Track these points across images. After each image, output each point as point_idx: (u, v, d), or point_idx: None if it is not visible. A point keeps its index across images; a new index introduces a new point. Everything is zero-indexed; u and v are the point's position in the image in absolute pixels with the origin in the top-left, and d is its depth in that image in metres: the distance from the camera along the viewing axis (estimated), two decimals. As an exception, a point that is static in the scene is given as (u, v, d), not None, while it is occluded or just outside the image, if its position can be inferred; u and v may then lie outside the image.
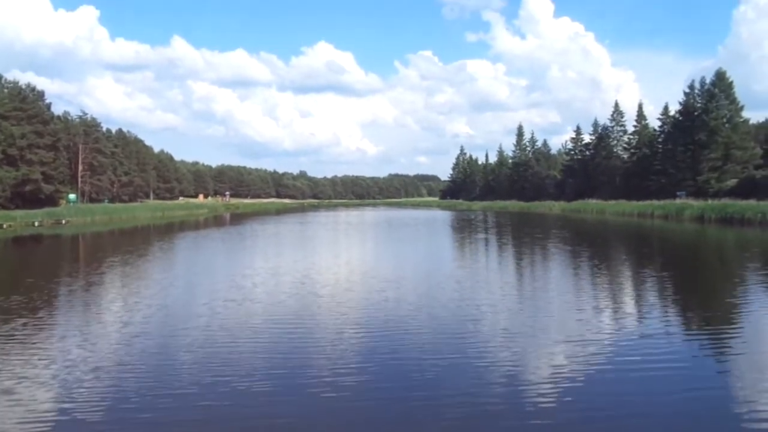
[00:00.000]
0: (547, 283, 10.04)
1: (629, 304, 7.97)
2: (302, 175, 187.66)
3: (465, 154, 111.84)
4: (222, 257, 15.50)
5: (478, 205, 72.99)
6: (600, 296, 8.59)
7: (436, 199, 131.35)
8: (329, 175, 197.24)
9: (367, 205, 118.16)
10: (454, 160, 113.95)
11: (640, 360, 5.37)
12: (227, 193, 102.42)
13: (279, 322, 7.06)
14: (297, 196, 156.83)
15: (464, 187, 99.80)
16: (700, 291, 9.14)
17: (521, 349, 5.79)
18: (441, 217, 43.50)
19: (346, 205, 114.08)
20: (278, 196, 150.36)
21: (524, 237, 21.58)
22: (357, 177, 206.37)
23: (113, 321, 7.25)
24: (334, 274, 11.47)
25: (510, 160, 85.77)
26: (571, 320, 7.03)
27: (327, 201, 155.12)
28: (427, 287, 9.51)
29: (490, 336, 6.25)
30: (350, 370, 5.17)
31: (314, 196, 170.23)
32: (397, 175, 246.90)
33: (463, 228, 28.55)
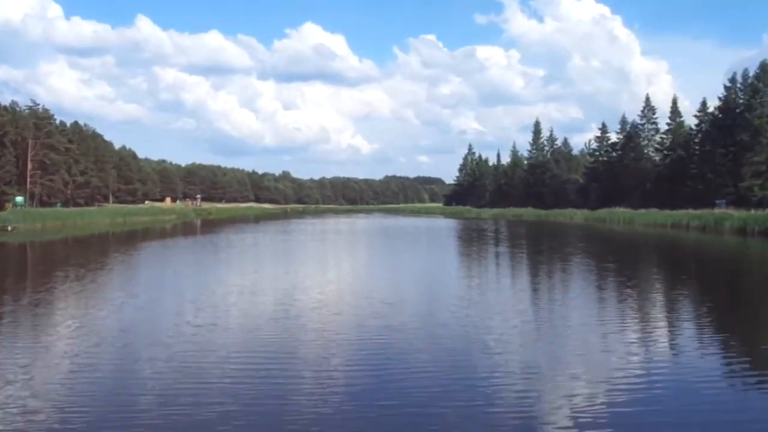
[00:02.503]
0: (569, 307, 9.90)
1: (663, 336, 7.75)
2: (285, 176, 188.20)
3: (473, 153, 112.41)
4: (191, 272, 15.34)
5: (488, 212, 73.21)
6: (629, 325, 8.46)
7: (440, 205, 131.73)
8: (316, 177, 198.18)
9: (360, 211, 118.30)
10: (460, 161, 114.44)
11: (676, 407, 5.10)
12: (198, 196, 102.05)
13: (254, 357, 6.84)
14: (279, 200, 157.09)
15: (472, 192, 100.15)
16: (747, 320, 8.90)
17: (540, 389, 5.67)
18: (446, 227, 43.63)
19: (336, 212, 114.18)
20: (257, 200, 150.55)
21: (542, 251, 21.70)
22: (348, 179, 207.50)
23: (56, 352, 7.01)
24: (321, 295, 11.34)
25: (525, 162, 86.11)
26: (595, 353, 6.96)
27: (314, 206, 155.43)
28: (432, 312, 9.47)
29: (505, 374, 6.13)
30: (338, 420, 4.82)
31: (299, 201, 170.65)
32: (394, 177, 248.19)
33: (472, 239, 28.63)
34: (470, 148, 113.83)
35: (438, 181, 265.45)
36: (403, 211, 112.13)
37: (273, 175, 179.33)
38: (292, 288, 12.24)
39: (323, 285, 12.71)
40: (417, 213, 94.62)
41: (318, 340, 7.72)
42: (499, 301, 10.67)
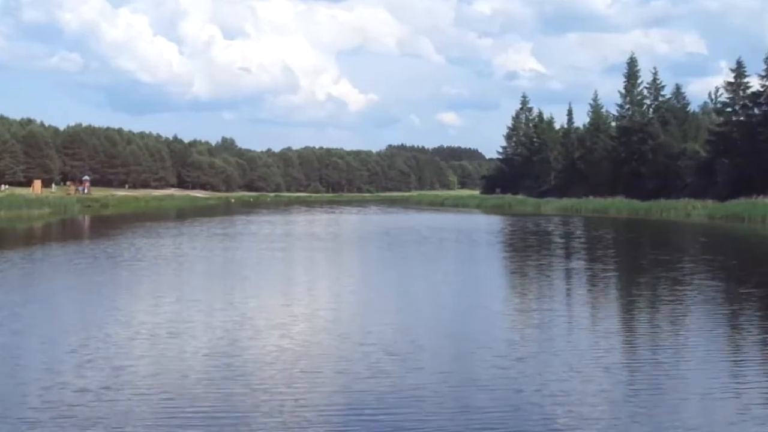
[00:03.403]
0: (703, 375, 9.92)
1: None
2: (227, 146, 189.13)
3: (529, 110, 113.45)
4: (73, 303, 15.30)
5: (553, 205, 73.78)
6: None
7: (476, 193, 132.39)
8: (276, 148, 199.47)
9: (349, 202, 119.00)
10: (508, 123, 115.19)
11: None
12: (86, 178, 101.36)
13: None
14: (217, 184, 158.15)
15: (528, 172, 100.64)
16: None
17: None
18: (485, 228, 43.79)
19: (310, 203, 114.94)
20: (182, 184, 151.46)
21: (648, 273, 21.58)
22: (329, 151, 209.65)
23: None
24: (284, 338, 11.41)
25: (613, 123, 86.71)
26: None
27: (273, 194, 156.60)
28: (466, 365, 9.84)
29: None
30: None
31: (249, 186, 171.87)
32: (403, 149, 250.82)
33: (528, 251, 28.77)
34: (524, 101, 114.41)
35: (472, 155, 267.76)
36: (418, 202, 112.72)
37: (207, 144, 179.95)
38: (236, 326, 12.36)
39: (287, 322, 12.73)
40: (439, 206, 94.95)
41: (276, 415, 7.72)
42: (578, 347, 10.68)
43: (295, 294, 16.68)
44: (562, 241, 34.06)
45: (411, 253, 27.26)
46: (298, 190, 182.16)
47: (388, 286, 18.30)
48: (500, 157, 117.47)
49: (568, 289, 17.59)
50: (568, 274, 20.52)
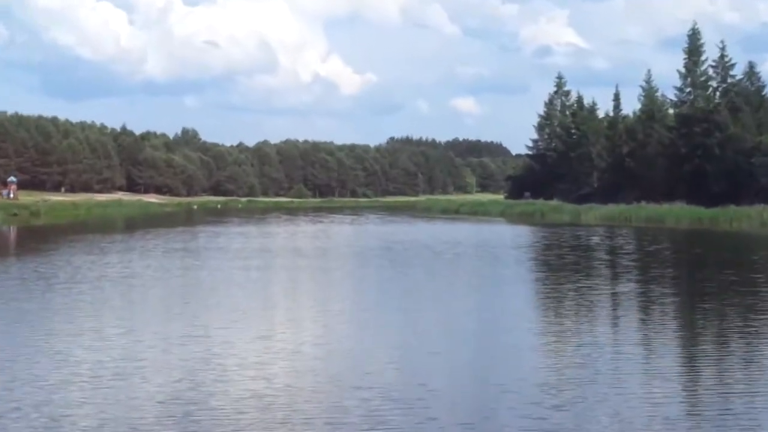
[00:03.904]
0: None
1: None
2: (187, 138, 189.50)
3: (566, 94, 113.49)
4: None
5: (596, 212, 73.76)
6: None
7: (499, 197, 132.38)
8: (250, 141, 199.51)
9: (341, 209, 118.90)
10: (540, 110, 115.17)
11: None
12: (12, 180, 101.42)
13: None
14: (175, 187, 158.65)
15: (565, 171, 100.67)
16: None
17: None
18: (511, 242, 43.80)
19: (292, 210, 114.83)
20: (132, 186, 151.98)
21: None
22: (316, 145, 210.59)
23: None
24: (259, 381, 11.38)
25: (671, 110, 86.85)
26: None
27: (246, 200, 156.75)
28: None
29: None
30: None
31: (216, 189, 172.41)
32: (408, 143, 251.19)
33: (565, 269, 28.63)
34: (560, 83, 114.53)
35: (495, 151, 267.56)
36: (427, 209, 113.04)
37: (163, 137, 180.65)
38: (198, 366, 12.35)
39: (264, 360, 12.79)
40: (454, 214, 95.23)
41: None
42: (628, 393, 10.68)
43: (273, 325, 16.65)
44: (608, 258, 34.02)
45: (418, 274, 27.23)
46: (277, 194, 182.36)
47: (391, 315, 18.24)
48: (530, 153, 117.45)
49: (616, 320, 17.55)
50: (616, 300, 20.49)
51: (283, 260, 32.26)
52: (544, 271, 29.17)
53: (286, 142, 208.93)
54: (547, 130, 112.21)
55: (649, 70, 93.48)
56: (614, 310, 18.95)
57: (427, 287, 23.67)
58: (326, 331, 16.00)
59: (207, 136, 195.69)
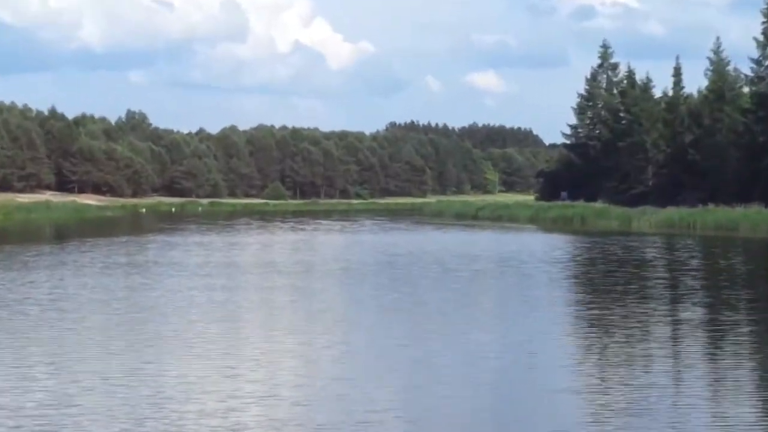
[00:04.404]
0: None
1: None
2: (134, 123, 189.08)
3: (613, 67, 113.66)
4: None
5: (651, 217, 73.58)
6: None
7: (529, 198, 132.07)
8: (214, 127, 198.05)
9: (327, 213, 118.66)
10: (580, 89, 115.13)
11: None
12: None
13: None
14: (118, 185, 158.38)
15: (609, 166, 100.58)
16: None
17: None
18: (544, 255, 43.78)
19: (266, 214, 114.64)
20: (63, 184, 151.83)
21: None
22: (297, 133, 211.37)
23: None
24: None
25: (746, 88, 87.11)
26: None
27: (207, 201, 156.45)
28: None
29: None
30: None
31: (170, 188, 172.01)
32: (414, 129, 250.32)
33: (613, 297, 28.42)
34: (605, 54, 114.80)
35: (523, 139, 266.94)
36: (438, 213, 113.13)
37: (103, 122, 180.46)
38: (146, 411, 12.32)
39: (230, 407, 12.74)
40: (472, 219, 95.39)
41: None
42: None
43: (243, 361, 16.53)
44: (667, 276, 33.92)
45: (427, 297, 27.19)
46: (247, 195, 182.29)
47: (391, 349, 18.11)
48: (567, 142, 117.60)
49: (678, 356, 17.48)
50: (678, 330, 20.46)
51: (255, 279, 32.22)
52: (586, 294, 29.04)
53: (259, 128, 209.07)
54: (589, 114, 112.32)
55: (718, 38, 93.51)
56: (676, 343, 18.89)
57: (438, 314, 23.57)
58: (309, 369, 15.93)
59: (158, 120, 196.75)
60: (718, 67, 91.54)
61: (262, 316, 23.39)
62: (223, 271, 34.60)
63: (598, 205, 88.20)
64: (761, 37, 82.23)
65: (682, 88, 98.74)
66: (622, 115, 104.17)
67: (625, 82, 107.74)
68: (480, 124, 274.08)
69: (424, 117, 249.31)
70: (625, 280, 31.69)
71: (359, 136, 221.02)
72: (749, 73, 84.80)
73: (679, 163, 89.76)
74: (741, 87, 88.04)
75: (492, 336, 20.04)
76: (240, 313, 23.86)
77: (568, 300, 27.42)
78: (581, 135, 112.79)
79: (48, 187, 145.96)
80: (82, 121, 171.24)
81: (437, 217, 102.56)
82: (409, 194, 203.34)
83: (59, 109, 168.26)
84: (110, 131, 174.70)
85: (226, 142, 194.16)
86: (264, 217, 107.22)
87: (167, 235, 61.89)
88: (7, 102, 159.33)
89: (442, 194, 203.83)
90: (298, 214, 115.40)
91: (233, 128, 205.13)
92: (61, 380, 14.46)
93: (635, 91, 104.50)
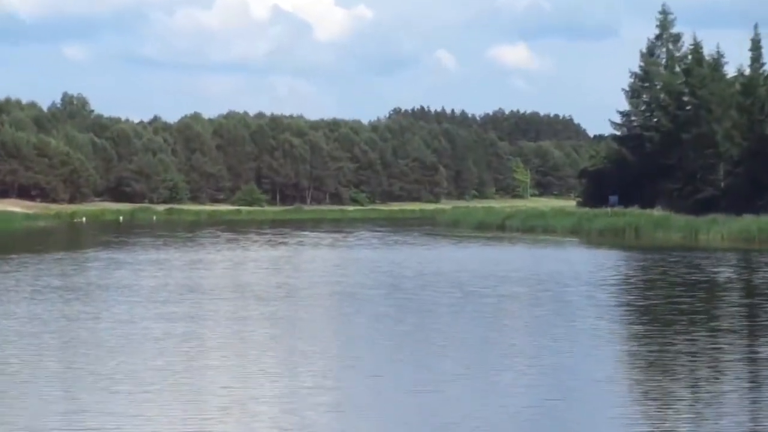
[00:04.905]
0: None
1: None
2: (71, 110, 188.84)
3: (674, 39, 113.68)
4: None
5: (723, 227, 73.42)
6: None
7: (569, 203, 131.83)
8: (172, 116, 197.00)
9: (315, 223, 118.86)
10: (633, 66, 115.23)
11: None
12: None
13: None
14: (51, 188, 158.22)
15: (670, 164, 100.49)
16: None
17: None
18: (589, 276, 43.81)
19: (238, 225, 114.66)
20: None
21: None
22: (277, 121, 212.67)
23: None
24: None
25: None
26: None
27: (164, 209, 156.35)
28: None
29: None
30: None
31: (116, 191, 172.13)
32: (424, 116, 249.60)
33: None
34: (664, 21, 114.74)
35: (562, 130, 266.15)
36: (454, 223, 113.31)
37: (34, 108, 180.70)
38: None
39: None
40: (498, 230, 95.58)
41: None
42: None
43: (209, 410, 16.57)
44: (746, 302, 33.87)
45: (443, 331, 27.20)
46: (214, 200, 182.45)
47: (401, 401, 18.16)
48: (617, 133, 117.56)
49: (759, 400, 17.45)
50: (759, 369, 20.50)
51: (224, 307, 32.29)
52: (644, 326, 28.96)
53: (229, 116, 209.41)
54: (644, 98, 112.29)
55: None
56: (756, 386, 18.87)
57: (458, 352, 23.57)
58: (292, 426, 15.95)
59: (103, 107, 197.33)
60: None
61: (233, 355, 23.29)
62: (184, 296, 34.64)
63: (657, 212, 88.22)
64: None
65: (762, 65, 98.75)
66: (686, 99, 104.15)
67: (689, 57, 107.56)
68: (507, 111, 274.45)
69: (436, 102, 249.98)
70: (692, 309, 31.68)
71: (355, 126, 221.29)
72: None
73: (757, 159, 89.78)
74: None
75: (526, 381, 19.95)
76: (206, 351, 23.85)
77: (621, 334, 27.36)
78: (635, 125, 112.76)
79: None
80: (5, 107, 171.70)
81: (454, 229, 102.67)
82: (418, 199, 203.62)
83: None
84: (41, 120, 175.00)
85: (188, 133, 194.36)
86: (235, 228, 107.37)
87: (113, 250, 62.02)
88: None
89: (460, 199, 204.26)
90: (279, 224, 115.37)
91: (196, 116, 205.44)
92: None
93: (703, 68, 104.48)
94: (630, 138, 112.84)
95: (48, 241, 74.50)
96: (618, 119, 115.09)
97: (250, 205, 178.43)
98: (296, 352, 23.73)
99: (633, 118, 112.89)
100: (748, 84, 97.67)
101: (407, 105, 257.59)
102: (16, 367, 20.95)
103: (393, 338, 25.71)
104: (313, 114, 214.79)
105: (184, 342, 24.37)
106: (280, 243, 74.47)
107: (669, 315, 30.43)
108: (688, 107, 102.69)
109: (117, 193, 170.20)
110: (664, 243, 69.23)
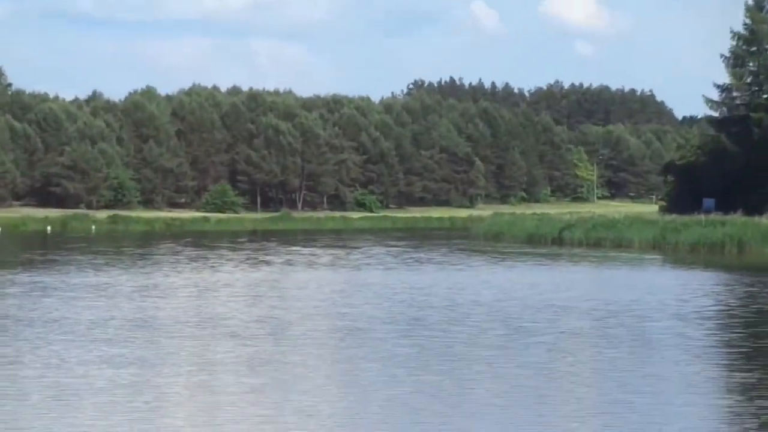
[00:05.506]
0: None
1: None
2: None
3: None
4: None
5: None
6: None
7: (650, 208, 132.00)
8: (116, 91, 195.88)
9: (309, 236, 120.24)
10: (735, 26, 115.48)
11: None
12: None
13: None
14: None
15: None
16: None
17: None
18: (678, 306, 44.21)
19: (207, 236, 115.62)
20: None
21: None
22: (257, 98, 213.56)
23: None
24: None
25: None
26: None
27: (106, 216, 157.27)
28: None
29: None
30: None
31: (42, 193, 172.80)
32: (454, 90, 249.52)
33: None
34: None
35: (639, 110, 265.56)
36: (495, 236, 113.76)
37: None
38: None
39: None
40: (552, 246, 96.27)
41: None
42: None
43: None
44: None
45: (484, 378, 27.43)
46: (173, 205, 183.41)
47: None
48: (714, 115, 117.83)
49: None
50: None
51: (188, 347, 32.56)
52: (752, 371, 28.98)
53: (193, 92, 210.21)
54: (751, 66, 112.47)
55: None
56: None
57: (502, 409, 23.65)
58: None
59: (23, 80, 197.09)
60: None
61: (199, 412, 23.41)
62: (134, 334, 34.90)
63: (766, 221, 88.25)
64: None
65: None
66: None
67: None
68: (567, 85, 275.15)
69: (470, 73, 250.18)
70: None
71: (362, 105, 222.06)
72: None
73: None
74: None
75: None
76: (164, 407, 23.93)
77: (722, 385, 27.49)
78: (737, 103, 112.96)
79: None
80: None
81: (495, 243, 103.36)
82: (447, 203, 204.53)
83: None
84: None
85: (138, 115, 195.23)
86: (202, 241, 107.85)
87: (38, 272, 62.43)
88: None
89: (503, 203, 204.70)
90: (260, 237, 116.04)
91: (149, 92, 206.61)
92: None
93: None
94: (731, 121, 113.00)
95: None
96: (715, 96, 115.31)
97: (221, 211, 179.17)
98: (285, 409, 23.81)
99: (735, 94, 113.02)
100: None
101: (432, 77, 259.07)
102: None
103: (414, 391, 25.75)
104: (305, 89, 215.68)
105: (136, 395, 24.50)
106: (262, 262, 74.88)
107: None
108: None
109: (43, 196, 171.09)
110: (650, 254, 69.34)
